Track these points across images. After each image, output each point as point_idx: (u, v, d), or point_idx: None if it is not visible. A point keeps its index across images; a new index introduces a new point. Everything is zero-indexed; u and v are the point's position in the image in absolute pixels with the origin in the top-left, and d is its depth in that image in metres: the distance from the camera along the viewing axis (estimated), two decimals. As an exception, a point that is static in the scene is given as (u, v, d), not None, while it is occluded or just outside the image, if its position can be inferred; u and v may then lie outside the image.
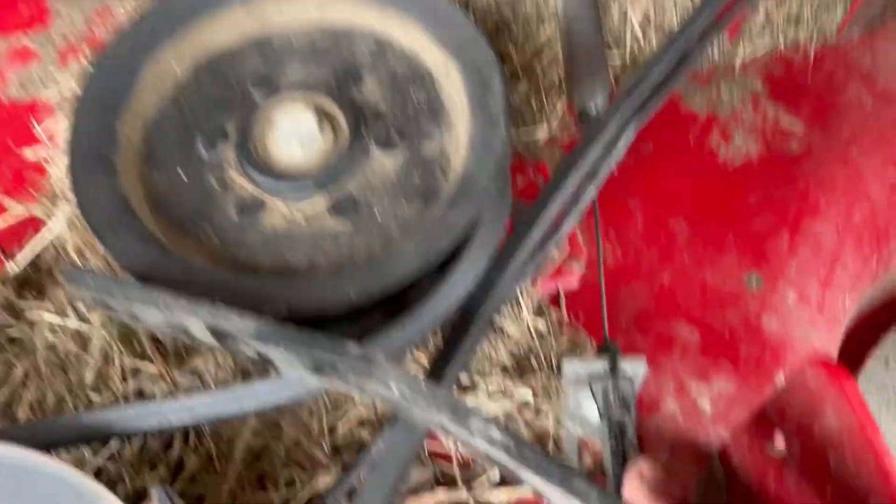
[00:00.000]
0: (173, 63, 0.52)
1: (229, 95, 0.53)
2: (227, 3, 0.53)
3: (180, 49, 0.52)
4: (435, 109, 0.52)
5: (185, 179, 0.49)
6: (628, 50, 0.76)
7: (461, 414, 0.37)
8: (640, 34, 0.76)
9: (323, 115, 0.50)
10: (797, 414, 0.44)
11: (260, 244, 0.48)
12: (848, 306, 0.69)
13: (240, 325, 0.39)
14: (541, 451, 0.38)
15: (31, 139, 0.62)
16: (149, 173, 0.50)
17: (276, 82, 0.53)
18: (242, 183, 0.50)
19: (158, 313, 0.39)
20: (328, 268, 0.47)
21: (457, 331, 0.50)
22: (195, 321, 0.39)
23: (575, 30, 0.68)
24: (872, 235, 0.72)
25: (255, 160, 0.49)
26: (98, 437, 0.44)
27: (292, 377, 0.42)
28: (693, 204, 0.69)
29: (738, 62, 0.77)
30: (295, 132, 0.48)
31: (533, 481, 0.39)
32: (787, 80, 0.77)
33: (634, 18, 0.76)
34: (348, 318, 0.46)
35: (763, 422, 0.48)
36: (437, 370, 0.48)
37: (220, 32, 0.54)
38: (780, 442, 0.47)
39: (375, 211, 0.49)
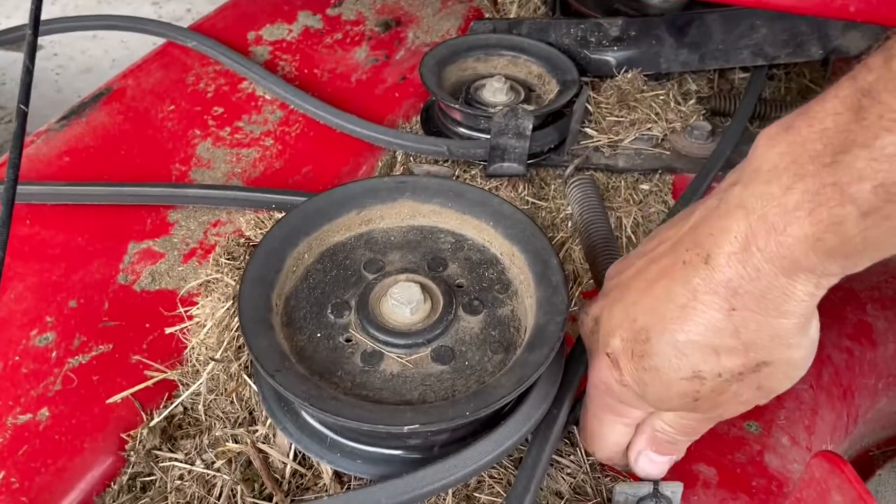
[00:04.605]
0: (305, 254, 0.69)
1: (346, 276, 0.69)
2: (346, 211, 0.71)
3: (311, 243, 0.70)
4: (504, 284, 0.69)
5: (320, 338, 0.64)
6: (623, 246, 0.96)
7: None
8: (631, 234, 0.97)
9: (424, 288, 0.66)
10: (809, 502, 0.56)
11: (381, 384, 0.62)
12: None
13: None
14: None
15: (164, 320, 0.76)
16: (291, 334, 0.64)
17: (382, 266, 0.70)
18: (364, 340, 0.64)
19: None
20: (437, 399, 0.60)
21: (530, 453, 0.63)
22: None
23: (592, 230, 0.87)
24: (839, 393, 0.88)
25: (374, 323, 0.64)
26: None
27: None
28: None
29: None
30: (406, 301, 0.64)
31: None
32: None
33: (627, 224, 0.97)
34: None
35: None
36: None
37: (338, 231, 0.72)
38: (799, 536, 0.59)
39: (468, 358, 0.64)
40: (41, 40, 1.26)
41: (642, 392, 0.57)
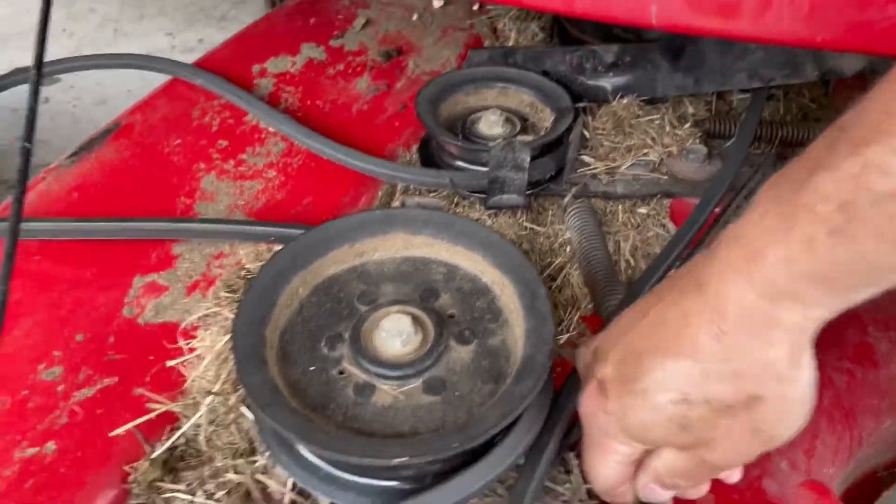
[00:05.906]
0: (300, 287, 0.71)
1: (340, 309, 0.71)
2: (338, 245, 0.73)
3: (304, 277, 0.71)
4: (494, 313, 0.71)
5: (314, 371, 0.66)
6: (622, 270, 0.97)
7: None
8: (630, 258, 0.98)
9: (415, 320, 0.67)
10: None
11: (372, 416, 0.63)
12: (833, 474, 0.83)
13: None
14: None
15: (166, 353, 0.78)
16: (285, 369, 0.66)
17: (375, 298, 0.71)
18: (357, 372, 0.66)
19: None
20: (427, 431, 0.62)
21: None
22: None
23: (591, 257, 0.88)
24: (841, 415, 0.87)
25: (366, 355, 0.66)
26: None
27: None
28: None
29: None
30: (397, 333, 0.66)
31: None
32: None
33: (625, 247, 0.98)
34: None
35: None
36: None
37: (332, 265, 0.73)
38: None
39: (458, 389, 0.65)
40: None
41: (624, 419, 0.57)
